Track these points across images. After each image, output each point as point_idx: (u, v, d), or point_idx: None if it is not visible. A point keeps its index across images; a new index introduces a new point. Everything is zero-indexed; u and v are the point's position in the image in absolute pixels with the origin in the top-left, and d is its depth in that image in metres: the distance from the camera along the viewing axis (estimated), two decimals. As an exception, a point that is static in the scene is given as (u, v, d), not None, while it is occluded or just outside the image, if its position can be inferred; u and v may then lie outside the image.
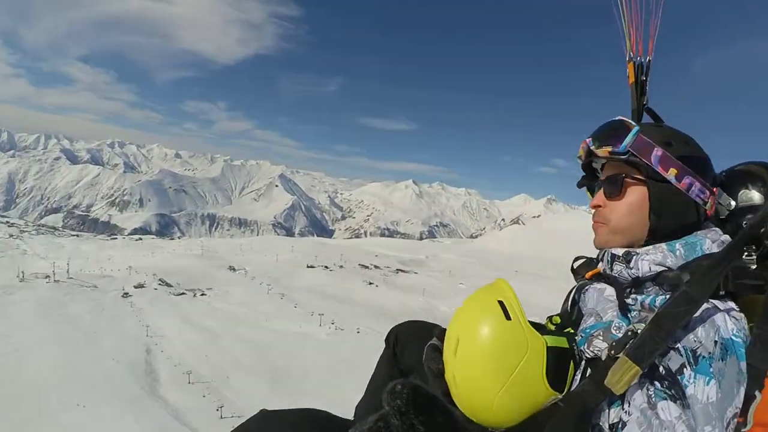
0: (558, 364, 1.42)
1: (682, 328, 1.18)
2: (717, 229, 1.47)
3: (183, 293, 49.89)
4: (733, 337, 1.18)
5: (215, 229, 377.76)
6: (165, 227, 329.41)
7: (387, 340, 2.54)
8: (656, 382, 1.18)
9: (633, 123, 1.45)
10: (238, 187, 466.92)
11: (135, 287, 50.51)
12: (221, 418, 23.92)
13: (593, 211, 1.61)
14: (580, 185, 1.83)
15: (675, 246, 1.39)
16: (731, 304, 1.26)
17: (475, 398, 1.46)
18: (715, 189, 1.44)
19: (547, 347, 1.41)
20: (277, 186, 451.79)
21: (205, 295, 49.90)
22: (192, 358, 33.44)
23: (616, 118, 1.52)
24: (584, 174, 1.79)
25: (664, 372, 1.18)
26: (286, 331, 39.19)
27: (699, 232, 1.42)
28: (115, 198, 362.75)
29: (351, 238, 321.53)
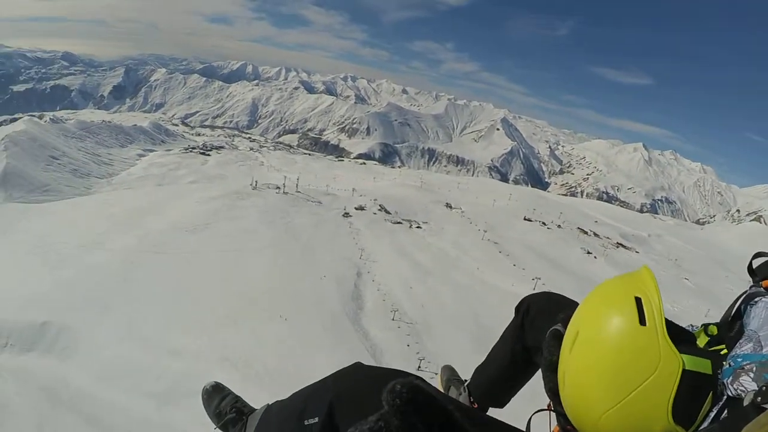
0: (692, 393, 1.19)
1: None
2: None
3: (399, 222, 48.72)
4: None
5: (433, 163, 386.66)
6: (387, 156, 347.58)
7: (518, 309, 2.52)
8: None
9: None
10: (459, 126, 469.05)
11: (356, 209, 52.35)
12: (418, 369, 20.49)
13: None
14: None
15: None
16: None
17: (580, 408, 1.34)
18: None
19: (683, 369, 1.19)
20: (498, 129, 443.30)
21: (420, 228, 47.99)
22: (399, 292, 31.88)
23: None
24: None
25: None
26: (498, 287, 34.98)
27: None
28: (345, 125, 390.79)
29: (566, 194, 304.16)
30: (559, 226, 60.54)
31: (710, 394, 1.14)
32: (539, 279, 36.29)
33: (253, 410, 2.64)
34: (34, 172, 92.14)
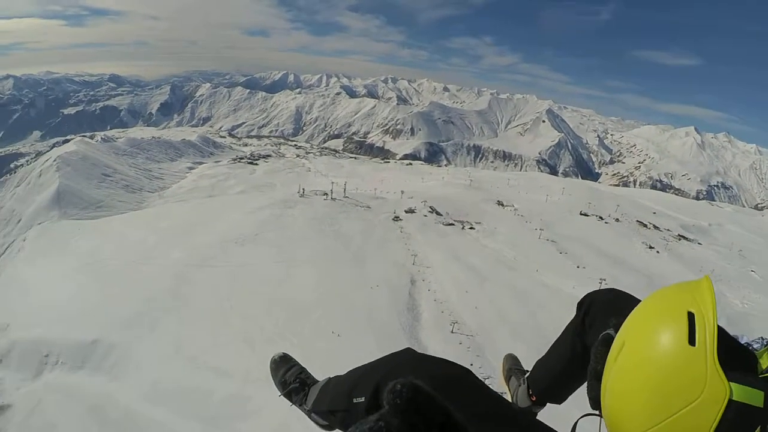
0: (737, 425, 1.11)
1: None
2: None
3: (452, 224, 47.15)
4: None
5: (480, 160, 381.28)
6: (433, 155, 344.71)
7: (579, 305, 2.49)
8: None
9: None
10: (504, 121, 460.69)
11: (405, 212, 50.70)
12: None
13: None
14: None
15: None
16: None
17: (619, 422, 1.34)
18: None
19: (730, 399, 1.11)
20: (543, 121, 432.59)
21: (473, 229, 46.14)
22: (456, 300, 30.44)
23: None
24: None
25: None
26: (559, 290, 32.67)
27: None
28: (389, 127, 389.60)
29: (618, 185, 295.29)
30: (617, 220, 57.49)
31: (758, 428, 1.06)
32: (604, 280, 33.86)
33: (315, 381, 2.79)
34: (87, 189, 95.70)
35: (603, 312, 2.07)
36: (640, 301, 1.61)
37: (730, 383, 1.07)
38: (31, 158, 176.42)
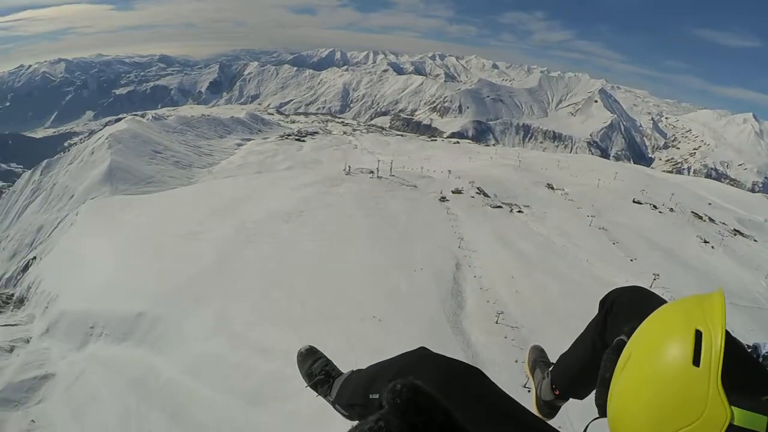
0: None
1: None
2: None
3: (499, 206, 45.72)
4: None
5: (528, 139, 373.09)
6: (481, 133, 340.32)
7: (602, 302, 2.52)
8: None
9: None
10: (554, 100, 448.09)
11: (453, 192, 49.70)
12: (524, 386, 17.43)
13: None
14: None
15: None
16: None
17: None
18: None
19: (730, 424, 1.10)
20: (596, 101, 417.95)
21: (522, 212, 44.66)
22: (502, 288, 28.92)
23: None
24: None
25: None
26: (610, 284, 30.08)
27: None
28: (436, 104, 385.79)
29: (671, 171, 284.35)
30: (671, 210, 54.53)
31: None
32: (657, 276, 31.83)
33: (340, 374, 2.88)
34: (138, 166, 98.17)
35: (624, 313, 1.99)
36: (661, 301, 1.66)
37: (732, 407, 1.05)
38: (85, 137, 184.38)
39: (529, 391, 3.60)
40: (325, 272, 28.32)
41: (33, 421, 24.28)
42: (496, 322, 24.35)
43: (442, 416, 0.93)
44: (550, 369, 3.11)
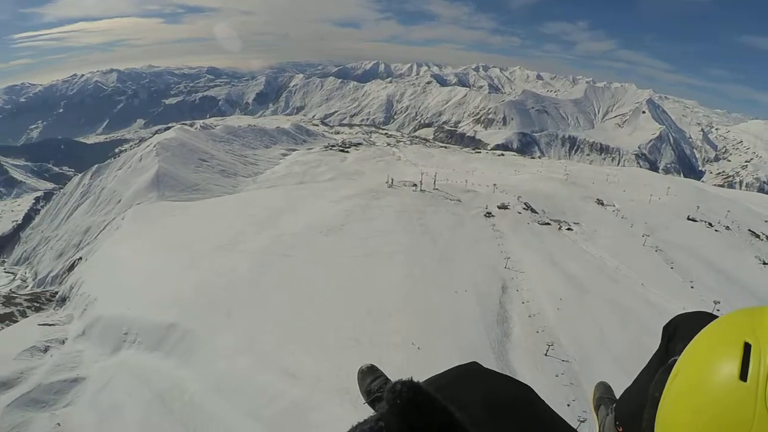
0: None
1: None
2: None
3: (548, 223, 43.67)
4: None
5: (575, 152, 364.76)
6: (526, 145, 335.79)
7: (665, 329, 2.47)
8: None
9: None
10: (601, 111, 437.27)
11: (498, 207, 47.65)
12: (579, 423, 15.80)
13: None
14: None
15: None
16: None
17: None
18: None
19: None
20: (644, 112, 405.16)
21: (571, 229, 42.42)
22: (551, 314, 26.69)
23: None
24: None
25: None
26: (667, 311, 27.47)
27: None
28: (480, 116, 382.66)
29: (722, 185, 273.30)
30: (727, 228, 51.06)
31: None
32: (718, 303, 29.04)
33: None
34: (185, 173, 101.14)
35: (686, 338, 1.64)
36: None
37: None
38: (135, 144, 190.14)
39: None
40: (361, 292, 27.09)
41: (59, 424, 24.00)
42: (546, 354, 22.36)
43: (443, 417, 0.92)
44: (614, 405, 3.01)
